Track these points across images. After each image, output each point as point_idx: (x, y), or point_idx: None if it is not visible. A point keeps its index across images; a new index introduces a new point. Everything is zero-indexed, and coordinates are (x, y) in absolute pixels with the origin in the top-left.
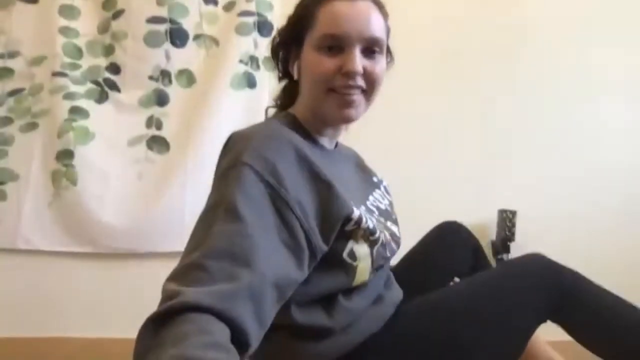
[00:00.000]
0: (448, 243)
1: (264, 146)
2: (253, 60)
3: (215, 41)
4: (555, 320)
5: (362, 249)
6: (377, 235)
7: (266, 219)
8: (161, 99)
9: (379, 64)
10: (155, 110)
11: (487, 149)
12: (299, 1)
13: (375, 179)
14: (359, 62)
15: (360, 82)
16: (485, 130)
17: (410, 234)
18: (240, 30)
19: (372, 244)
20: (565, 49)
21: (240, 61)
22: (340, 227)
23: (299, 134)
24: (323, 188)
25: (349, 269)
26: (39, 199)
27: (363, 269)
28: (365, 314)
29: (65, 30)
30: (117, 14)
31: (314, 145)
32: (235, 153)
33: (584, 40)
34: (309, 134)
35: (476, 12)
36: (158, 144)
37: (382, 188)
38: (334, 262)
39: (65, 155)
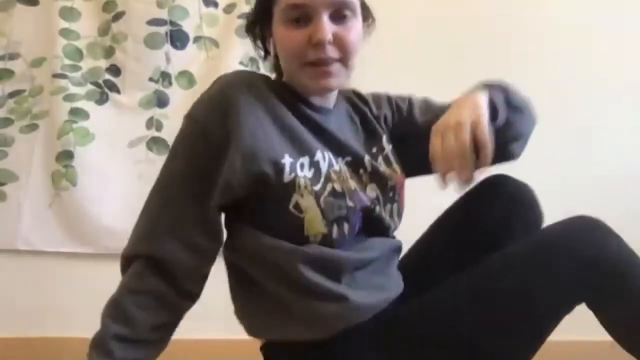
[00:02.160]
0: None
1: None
2: (253, 61)
3: (215, 43)
4: (592, 307)
5: (306, 201)
6: (319, 185)
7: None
8: (161, 101)
9: (353, 28)
10: (156, 112)
11: None
12: None
13: (379, 130)
14: (327, 29)
15: (333, 52)
16: None
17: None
18: (240, 32)
19: (316, 195)
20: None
21: (240, 63)
22: (278, 177)
23: (278, 87)
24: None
25: (297, 220)
26: (39, 200)
27: (312, 219)
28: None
29: (65, 32)
30: (118, 16)
31: (292, 98)
32: None
33: (589, 41)
34: (289, 90)
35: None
36: (158, 145)
37: (383, 139)
38: (283, 214)
39: (65, 156)
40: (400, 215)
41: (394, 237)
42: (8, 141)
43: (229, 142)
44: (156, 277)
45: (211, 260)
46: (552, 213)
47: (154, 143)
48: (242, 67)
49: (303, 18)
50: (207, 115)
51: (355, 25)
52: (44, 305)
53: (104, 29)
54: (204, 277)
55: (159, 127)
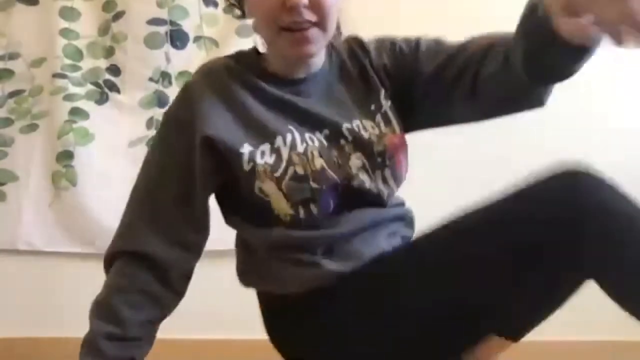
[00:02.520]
0: None
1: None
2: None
3: (215, 43)
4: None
5: (268, 186)
6: (280, 171)
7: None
8: (161, 101)
9: None
10: (156, 112)
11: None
12: None
13: (377, 83)
14: None
15: (309, 15)
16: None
17: None
18: (240, 32)
19: (277, 180)
20: None
21: None
22: (238, 165)
23: (243, 69)
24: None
25: (264, 202)
26: (39, 200)
27: (276, 202)
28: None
29: (65, 32)
30: (118, 16)
31: (257, 79)
32: None
33: None
34: (260, 68)
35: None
36: None
37: (381, 95)
38: (250, 197)
39: (65, 156)
40: (397, 178)
41: (394, 204)
42: (8, 141)
43: (195, 131)
44: (144, 273)
45: (199, 253)
46: None
47: None
48: None
49: None
50: (176, 108)
51: None
52: (45, 305)
53: (104, 29)
54: (190, 271)
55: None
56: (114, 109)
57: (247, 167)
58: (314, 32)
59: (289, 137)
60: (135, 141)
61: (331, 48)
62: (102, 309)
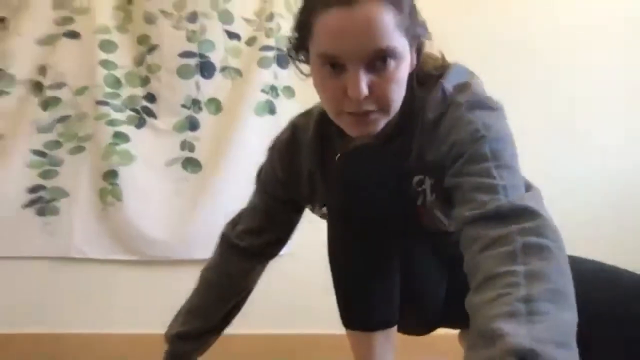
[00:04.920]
0: None
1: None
2: (273, 89)
3: (239, 73)
4: None
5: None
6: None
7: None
8: (193, 125)
9: (394, 73)
10: (188, 135)
11: None
12: (299, 7)
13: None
14: (361, 85)
15: (370, 106)
16: None
17: None
18: (262, 63)
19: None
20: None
21: (262, 90)
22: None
23: (317, 128)
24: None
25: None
26: (89, 214)
27: None
28: None
29: (105, 63)
30: (152, 49)
31: (328, 140)
32: None
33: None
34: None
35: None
36: (192, 164)
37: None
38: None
39: (111, 175)
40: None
41: None
42: (58, 162)
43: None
44: None
45: None
46: None
47: (188, 163)
48: (264, 95)
49: (338, 65)
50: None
51: (396, 70)
52: (92, 305)
53: (140, 60)
54: None
55: (191, 148)
56: (151, 132)
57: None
58: (375, 116)
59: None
60: (171, 161)
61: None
62: None
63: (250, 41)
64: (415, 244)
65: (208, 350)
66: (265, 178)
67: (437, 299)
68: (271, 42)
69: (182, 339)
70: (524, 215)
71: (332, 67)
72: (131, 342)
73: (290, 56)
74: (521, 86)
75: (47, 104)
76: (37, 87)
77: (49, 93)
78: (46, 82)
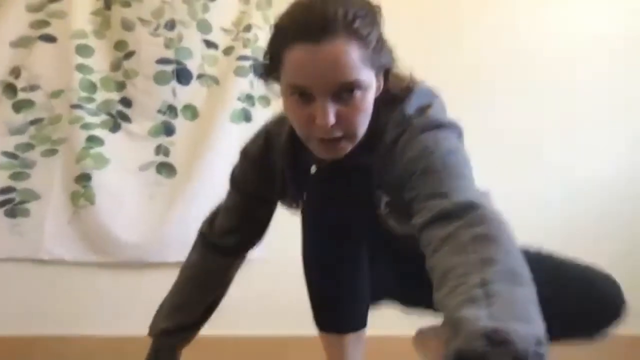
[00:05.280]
0: None
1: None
2: (249, 98)
3: (215, 80)
4: None
5: None
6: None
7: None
8: (168, 130)
9: (361, 103)
10: (163, 140)
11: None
12: (270, 37)
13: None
14: (330, 116)
15: (337, 132)
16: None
17: None
18: (238, 72)
19: None
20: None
21: (238, 99)
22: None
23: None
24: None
25: None
26: (60, 216)
27: None
28: None
29: (81, 67)
30: (129, 55)
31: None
32: None
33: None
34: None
35: None
36: (166, 169)
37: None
38: None
39: (84, 178)
40: None
41: None
42: (30, 164)
43: None
44: None
45: None
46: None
47: (163, 167)
48: (240, 103)
49: (306, 95)
50: None
51: (362, 99)
52: (64, 308)
53: (116, 65)
54: None
55: (166, 153)
56: (126, 136)
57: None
58: (342, 143)
59: None
60: (146, 165)
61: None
62: None
63: (228, 50)
64: (379, 245)
65: (198, 352)
66: (239, 178)
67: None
68: (248, 52)
69: (167, 334)
70: (466, 210)
71: (301, 96)
72: (102, 344)
73: (263, 79)
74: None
75: (20, 106)
76: (10, 89)
77: (22, 95)
78: (20, 84)
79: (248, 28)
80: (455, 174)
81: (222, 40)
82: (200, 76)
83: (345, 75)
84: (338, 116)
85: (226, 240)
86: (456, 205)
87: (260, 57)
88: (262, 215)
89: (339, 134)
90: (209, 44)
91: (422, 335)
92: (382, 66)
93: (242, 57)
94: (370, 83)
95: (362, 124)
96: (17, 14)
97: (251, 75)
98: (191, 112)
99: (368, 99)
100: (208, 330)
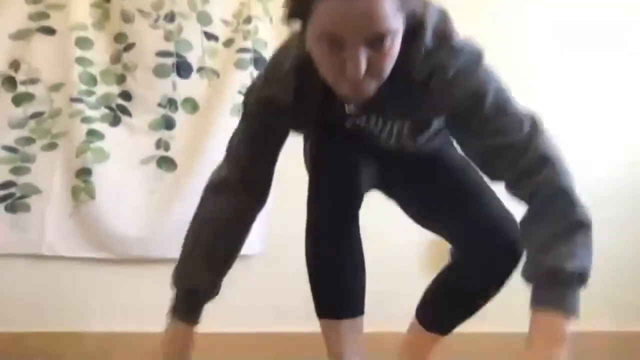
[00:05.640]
0: None
1: None
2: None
3: (216, 73)
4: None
5: None
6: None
7: None
8: (169, 124)
9: (391, 49)
10: (164, 134)
11: None
12: None
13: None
14: (361, 65)
15: (367, 77)
16: None
17: None
18: (239, 64)
19: None
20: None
21: (239, 92)
22: None
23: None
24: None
25: None
26: (61, 211)
27: None
28: None
29: (80, 60)
30: (128, 47)
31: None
32: None
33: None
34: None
35: None
36: (166, 163)
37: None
38: None
39: (84, 173)
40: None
41: None
42: (30, 158)
43: None
44: None
45: None
46: None
47: (163, 161)
48: (240, 96)
49: (337, 42)
50: None
51: (392, 45)
52: (64, 303)
53: (116, 58)
54: None
55: (166, 147)
56: (126, 130)
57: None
58: (371, 85)
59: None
60: (146, 159)
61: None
62: None
63: (228, 43)
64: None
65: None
66: (258, 126)
67: None
68: (248, 44)
69: (194, 293)
70: (541, 165)
71: (332, 44)
72: (104, 340)
73: (285, 22)
74: None
75: (20, 100)
76: (10, 82)
77: (22, 89)
78: (19, 77)
79: (248, 20)
80: (509, 110)
81: (223, 32)
82: (200, 69)
83: (379, 26)
84: (368, 62)
85: (236, 181)
86: (534, 163)
87: (260, 48)
88: (271, 154)
89: (367, 78)
90: (209, 36)
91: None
92: (411, 9)
93: (243, 50)
94: (399, 28)
95: (390, 66)
96: (16, 6)
97: (252, 68)
98: (191, 105)
99: (396, 43)
100: (204, 327)
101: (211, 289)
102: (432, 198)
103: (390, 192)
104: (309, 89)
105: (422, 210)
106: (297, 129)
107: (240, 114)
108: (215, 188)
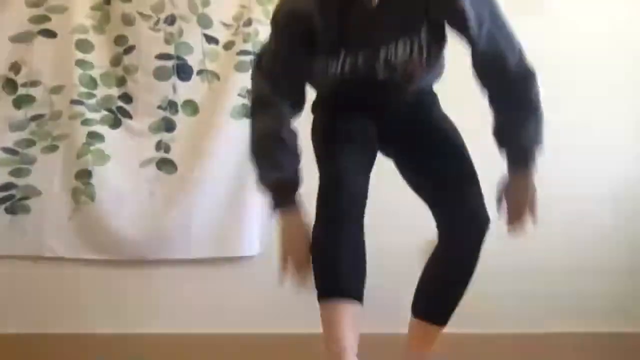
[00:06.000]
0: None
1: None
2: (250, 94)
3: (216, 76)
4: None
5: None
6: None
7: None
8: (169, 126)
9: None
10: (164, 136)
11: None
12: None
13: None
14: None
15: None
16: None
17: None
18: (239, 67)
19: None
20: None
21: (239, 94)
22: None
23: None
24: None
25: None
26: (61, 213)
27: None
28: None
29: (81, 63)
30: (129, 50)
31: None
32: None
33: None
34: None
35: None
36: (167, 165)
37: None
38: None
39: (84, 175)
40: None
41: None
42: (31, 160)
43: None
44: None
45: None
46: None
47: (163, 164)
48: (240, 98)
49: None
50: None
51: None
52: (64, 305)
53: (116, 61)
54: None
55: (167, 149)
56: (126, 133)
57: None
58: None
59: None
60: (146, 162)
61: None
62: None
63: (228, 45)
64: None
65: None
66: (283, 21)
67: None
68: (249, 46)
69: (283, 182)
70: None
71: None
72: (104, 341)
73: None
74: None
75: (20, 102)
76: (11, 84)
77: (23, 91)
78: (20, 79)
79: (249, 22)
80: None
81: (223, 35)
82: (200, 71)
83: None
84: None
85: (282, 92)
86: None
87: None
88: (304, 63)
89: None
90: (210, 39)
91: None
92: None
93: (243, 52)
94: None
95: None
96: (17, 8)
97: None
98: (191, 108)
99: None
100: (204, 327)
101: (297, 175)
102: (420, 170)
103: (387, 152)
104: None
105: (411, 178)
106: (321, 40)
107: (269, 33)
108: (260, 105)
